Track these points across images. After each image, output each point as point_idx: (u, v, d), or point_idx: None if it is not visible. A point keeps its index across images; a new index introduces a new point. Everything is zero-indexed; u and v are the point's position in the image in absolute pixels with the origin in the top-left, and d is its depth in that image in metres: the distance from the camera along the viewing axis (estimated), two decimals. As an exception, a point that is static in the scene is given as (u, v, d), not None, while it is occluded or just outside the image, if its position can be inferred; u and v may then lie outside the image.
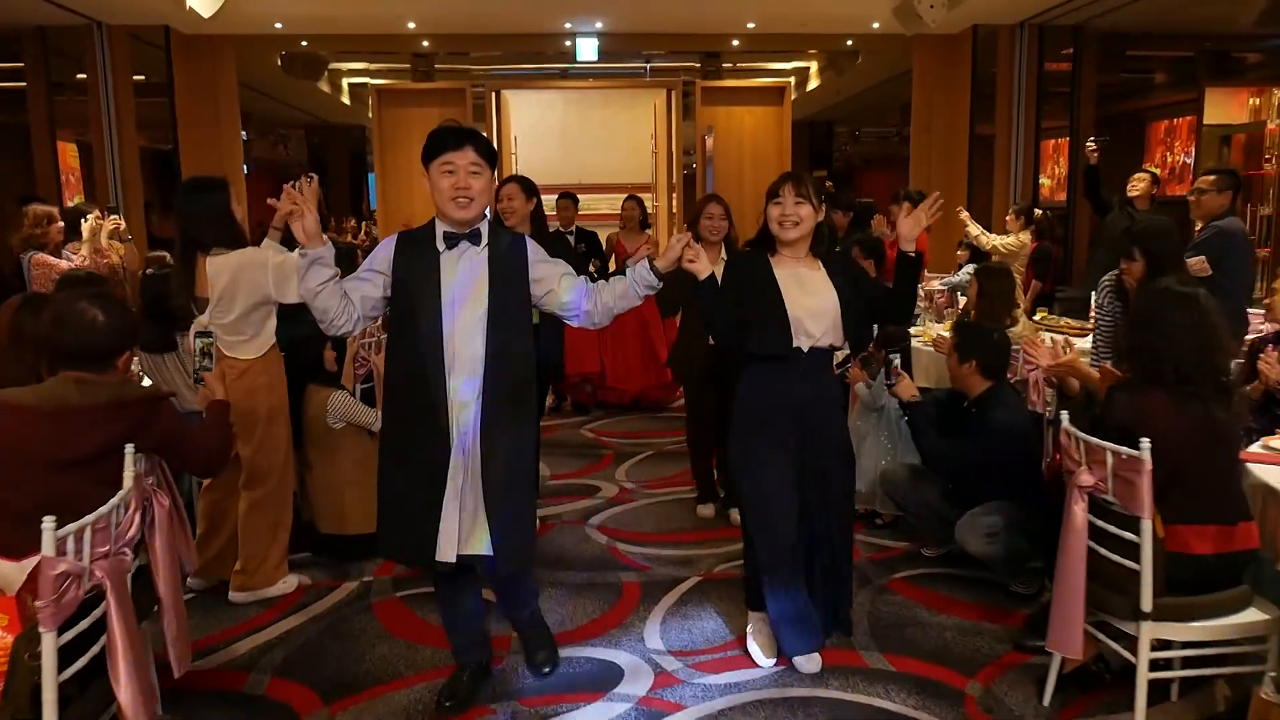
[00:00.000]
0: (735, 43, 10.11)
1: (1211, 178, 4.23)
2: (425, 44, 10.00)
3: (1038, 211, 7.49)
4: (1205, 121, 11.19)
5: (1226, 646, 2.44)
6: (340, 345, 3.89)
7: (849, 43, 10.26)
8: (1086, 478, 2.42)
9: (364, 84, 12.88)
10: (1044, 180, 10.46)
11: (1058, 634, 2.49)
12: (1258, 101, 11.38)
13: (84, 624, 1.92)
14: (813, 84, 12.84)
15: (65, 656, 1.87)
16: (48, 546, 1.79)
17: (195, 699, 2.80)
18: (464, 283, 2.49)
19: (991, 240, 6.93)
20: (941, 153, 9.52)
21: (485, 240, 2.54)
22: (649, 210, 8.34)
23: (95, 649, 1.97)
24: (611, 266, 7.01)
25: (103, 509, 1.98)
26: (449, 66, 11.10)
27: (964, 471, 3.46)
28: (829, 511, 2.90)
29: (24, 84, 8.62)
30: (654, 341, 6.34)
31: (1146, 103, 11.56)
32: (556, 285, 2.60)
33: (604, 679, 2.93)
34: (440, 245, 2.51)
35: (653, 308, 4.98)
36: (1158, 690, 2.71)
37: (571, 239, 6.63)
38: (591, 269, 6.71)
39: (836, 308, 2.78)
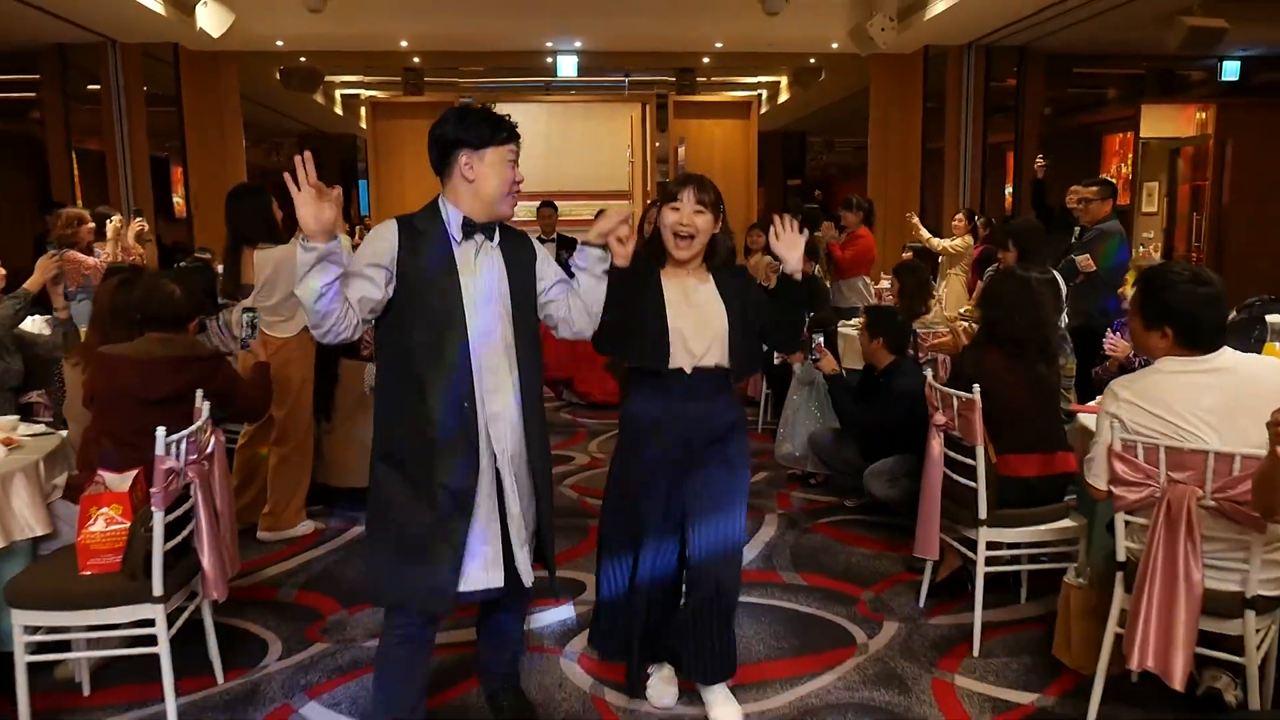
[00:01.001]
0: (705, 60, 10.81)
1: (1094, 188, 4.94)
2: (416, 60, 10.69)
3: (979, 218, 8.22)
4: (1156, 136, 11.92)
5: (1047, 547, 3.15)
6: None
7: (812, 60, 10.97)
8: (940, 418, 3.12)
9: (356, 95, 13.54)
10: (1009, 189, 11.12)
11: (921, 541, 3.19)
12: (1204, 116, 12.10)
13: (179, 511, 2.60)
14: (784, 97, 13.57)
15: (167, 533, 2.54)
16: (160, 449, 2.46)
17: (237, 605, 3.45)
18: (484, 277, 2.28)
19: (940, 243, 7.62)
20: (897, 165, 10.22)
21: (498, 235, 2.35)
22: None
23: (185, 531, 2.65)
24: None
25: (190, 428, 2.65)
26: (437, 80, 11.77)
27: (872, 429, 4.16)
28: (706, 543, 2.56)
29: (35, 95, 9.24)
30: None
31: (1096, 118, 12.28)
32: (552, 290, 2.42)
33: (572, 590, 3.61)
34: (456, 234, 2.28)
35: None
36: (1010, 594, 3.43)
37: (554, 245, 7.26)
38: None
39: (724, 325, 2.52)
